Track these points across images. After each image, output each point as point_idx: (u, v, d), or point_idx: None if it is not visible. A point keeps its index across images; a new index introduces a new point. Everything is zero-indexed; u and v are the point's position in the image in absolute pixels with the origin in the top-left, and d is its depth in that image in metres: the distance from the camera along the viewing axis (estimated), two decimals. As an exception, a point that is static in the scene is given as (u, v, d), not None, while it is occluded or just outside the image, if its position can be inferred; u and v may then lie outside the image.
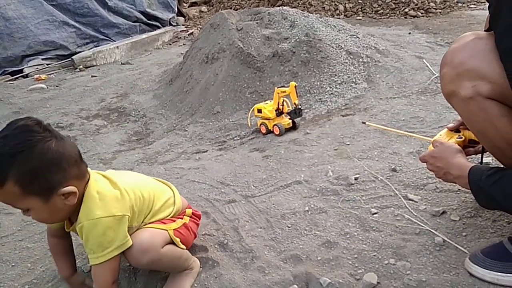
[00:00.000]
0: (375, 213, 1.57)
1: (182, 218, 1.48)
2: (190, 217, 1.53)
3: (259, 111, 2.58)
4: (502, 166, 1.21)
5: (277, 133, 2.53)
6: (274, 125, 2.53)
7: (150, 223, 1.38)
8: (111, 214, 1.21)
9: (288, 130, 2.56)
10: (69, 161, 1.17)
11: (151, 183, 1.50)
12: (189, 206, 1.59)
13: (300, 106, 2.55)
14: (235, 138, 2.72)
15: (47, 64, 5.53)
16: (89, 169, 1.29)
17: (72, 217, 1.28)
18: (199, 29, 6.92)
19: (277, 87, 2.53)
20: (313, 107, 2.84)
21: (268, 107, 2.54)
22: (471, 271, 1.18)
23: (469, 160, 1.25)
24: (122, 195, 1.28)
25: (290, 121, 2.55)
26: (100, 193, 1.24)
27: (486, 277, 1.14)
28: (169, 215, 1.44)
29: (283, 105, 2.55)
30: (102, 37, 6.14)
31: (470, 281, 1.16)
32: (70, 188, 1.17)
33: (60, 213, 1.23)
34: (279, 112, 2.54)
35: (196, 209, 1.63)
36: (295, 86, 2.45)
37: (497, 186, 1.06)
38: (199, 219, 1.61)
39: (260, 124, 2.61)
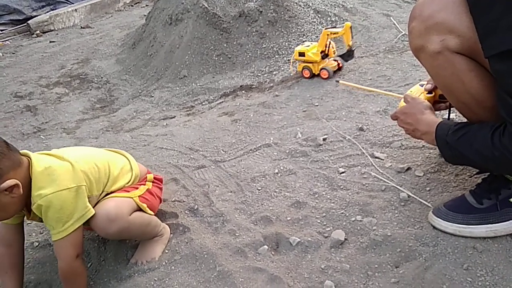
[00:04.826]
0: (343, 172, 1.59)
1: (144, 184, 1.46)
2: (152, 182, 1.51)
3: (301, 54, 2.43)
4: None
5: (325, 76, 2.42)
6: (323, 68, 2.42)
7: (111, 192, 1.35)
8: (64, 187, 1.18)
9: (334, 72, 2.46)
10: None
11: (102, 153, 1.47)
12: (148, 171, 1.56)
13: (354, 48, 2.42)
14: (203, 103, 2.66)
15: (1, 30, 5.20)
16: (27, 151, 1.23)
17: (28, 204, 1.23)
18: (162, -11, 6.60)
19: (325, 28, 2.38)
20: (282, 68, 2.79)
21: (311, 50, 2.40)
22: (434, 224, 1.22)
23: (438, 116, 1.26)
24: (73, 166, 1.23)
25: (337, 63, 2.46)
26: (48, 169, 1.19)
27: (448, 229, 1.18)
28: (129, 181, 1.42)
29: (328, 48, 2.42)
30: (58, -1, 5.78)
31: (433, 234, 1.20)
32: (10, 182, 1.11)
33: (12, 207, 1.18)
34: (324, 55, 2.42)
35: (163, 176, 1.60)
36: (350, 27, 2.30)
37: (462, 141, 1.07)
38: (162, 183, 1.59)
39: (303, 68, 2.48)
